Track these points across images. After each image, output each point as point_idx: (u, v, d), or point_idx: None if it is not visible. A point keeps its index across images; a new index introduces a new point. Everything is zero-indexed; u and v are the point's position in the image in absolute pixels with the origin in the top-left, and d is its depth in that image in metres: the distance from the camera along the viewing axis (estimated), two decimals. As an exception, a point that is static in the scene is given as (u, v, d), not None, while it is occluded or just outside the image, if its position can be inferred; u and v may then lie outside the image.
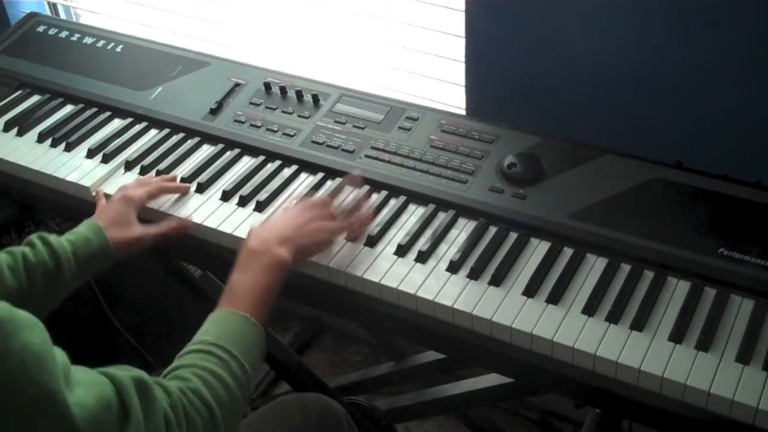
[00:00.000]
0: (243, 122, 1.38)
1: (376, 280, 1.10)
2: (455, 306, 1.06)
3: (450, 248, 1.15)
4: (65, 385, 0.71)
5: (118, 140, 1.38)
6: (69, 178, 1.32)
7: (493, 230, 1.17)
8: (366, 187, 1.25)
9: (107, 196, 1.25)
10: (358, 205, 1.18)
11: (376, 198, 1.24)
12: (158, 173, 1.31)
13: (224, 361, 0.90)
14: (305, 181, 1.29)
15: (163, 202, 1.25)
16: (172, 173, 1.31)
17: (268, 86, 1.44)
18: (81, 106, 1.48)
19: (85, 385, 0.74)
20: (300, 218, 1.10)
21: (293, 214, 1.11)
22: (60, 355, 0.73)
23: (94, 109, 1.47)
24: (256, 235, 1.06)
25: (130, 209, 1.19)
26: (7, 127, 1.45)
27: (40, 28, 1.65)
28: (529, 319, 1.03)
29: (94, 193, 1.29)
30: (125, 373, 0.79)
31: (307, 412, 1.18)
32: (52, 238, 1.09)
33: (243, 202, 1.24)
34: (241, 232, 1.18)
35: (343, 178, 1.25)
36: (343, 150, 1.31)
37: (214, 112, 1.41)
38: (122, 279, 1.77)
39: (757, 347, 0.98)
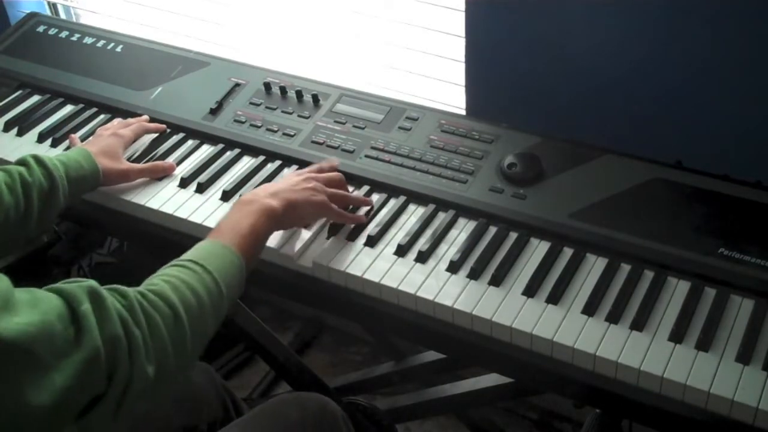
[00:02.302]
0: (243, 122, 1.38)
1: (376, 280, 1.10)
2: (455, 306, 1.06)
3: (450, 248, 1.15)
4: (4, 310, 0.70)
5: (117, 140, 1.38)
6: (69, 178, 1.32)
7: (493, 230, 1.17)
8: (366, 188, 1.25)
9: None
10: (356, 200, 1.21)
11: (376, 199, 1.24)
12: (158, 173, 1.31)
13: (197, 273, 0.91)
14: (305, 181, 1.28)
15: (164, 202, 1.25)
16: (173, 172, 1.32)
17: (268, 86, 1.44)
18: (81, 106, 1.48)
19: (29, 305, 0.73)
20: (294, 179, 1.14)
21: (288, 177, 1.16)
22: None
23: (94, 109, 1.47)
24: (249, 192, 1.10)
25: (118, 144, 1.27)
26: (7, 127, 1.45)
27: (40, 28, 1.65)
28: (529, 319, 1.03)
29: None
30: (74, 284, 0.79)
31: (304, 411, 1.19)
32: (46, 157, 1.14)
33: (243, 202, 1.24)
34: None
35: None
36: (343, 150, 1.31)
37: (214, 112, 1.41)
38: (122, 279, 1.77)
39: (757, 347, 0.98)
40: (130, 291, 0.84)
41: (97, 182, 1.22)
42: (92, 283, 0.80)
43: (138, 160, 1.34)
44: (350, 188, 1.25)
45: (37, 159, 1.13)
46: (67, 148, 1.36)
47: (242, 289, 0.99)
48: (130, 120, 1.38)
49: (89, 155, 1.21)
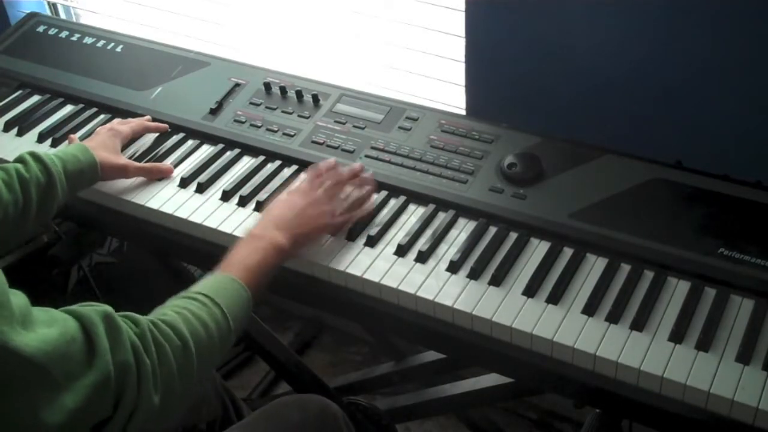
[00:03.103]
0: (243, 122, 1.38)
1: (376, 280, 1.10)
2: (455, 306, 1.06)
3: (450, 248, 1.15)
4: (21, 326, 0.71)
5: (118, 140, 1.38)
6: (69, 178, 1.32)
7: (493, 230, 1.17)
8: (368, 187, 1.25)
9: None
10: (360, 198, 1.20)
11: (375, 198, 1.24)
12: (158, 173, 1.31)
13: (206, 306, 0.92)
14: (305, 181, 1.28)
15: (164, 202, 1.25)
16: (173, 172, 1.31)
17: (268, 86, 1.44)
18: (81, 106, 1.48)
19: (46, 324, 0.74)
20: (300, 203, 1.12)
21: (290, 202, 1.13)
22: (18, 298, 0.74)
23: (94, 109, 1.47)
24: (257, 222, 1.10)
25: (116, 139, 1.29)
26: (7, 127, 1.45)
27: (40, 28, 1.65)
28: (529, 319, 1.03)
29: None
30: (90, 308, 0.80)
31: (305, 413, 1.19)
32: (42, 153, 1.15)
33: (243, 202, 1.24)
34: (241, 232, 1.18)
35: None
36: (343, 150, 1.31)
37: (214, 112, 1.41)
38: (122, 279, 1.77)
39: (757, 347, 0.98)
40: (143, 320, 0.85)
41: (95, 176, 1.22)
42: (107, 308, 0.81)
43: (139, 159, 1.34)
44: (349, 189, 1.25)
45: (34, 155, 1.14)
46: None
47: (248, 321, 1.00)
48: (130, 119, 1.39)
49: (86, 149, 1.22)
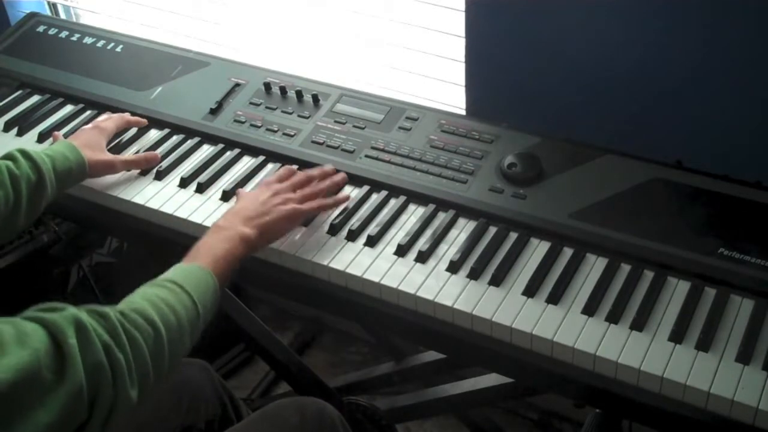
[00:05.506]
0: (243, 122, 1.38)
1: (376, 280, 1.10)
2: (455, 306, 1.06)
3: (450, 248, 1.15)
4: None
5: (118, 140, 1.38)
6: (69, 178, 1.32)
7: (493, 230, 1.17)
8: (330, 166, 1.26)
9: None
10: (321, 176, 1.22)
11: (375, 197, 1.24)
12: (158, 173, 1.31)
13: (176, 293, 0.93)
14: (305, 181, 1.28)
15: (164, 202, 1.25)
16: (172, 172, 1.32)
17: (268, 86, 1.44)
18: (81, 106, 1.48)
19: (17, 342, 0.73)
20: (260, 197, 1.15)
21: (253, 195, 1.16)
22: None
23: (95, 110, 1.47)
24: (223, 215, 1.12)
25: (101, 136, 1.29)
26: (7, 127, 1.45)
27: (40, 28, 1.65)
28: (529, 319, 1.03)
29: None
30: (57, 314, 0.79)
31: (303, 415, 1.19)
32: (32, 151, 1.15)
33: (243, 202, 1.24)
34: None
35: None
36: (343, 150, 1.31)
37: (214, 112, 1.41)
38: (121, 279, 1.77)
39: (757, 347, 0.98)
40: (111, 312, 0.84)
41: (83, 174, 1.23)
42: (74, 312, 0.80)
43: (138, 160, 1.34)
44: (349, 189, 1.26)
45: (24, 153, 1.14)
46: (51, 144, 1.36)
47: (216, 311, 1.01)
48: (112, 115, 1.39)
49: (74, 147, 1.22)
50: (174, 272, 0.98)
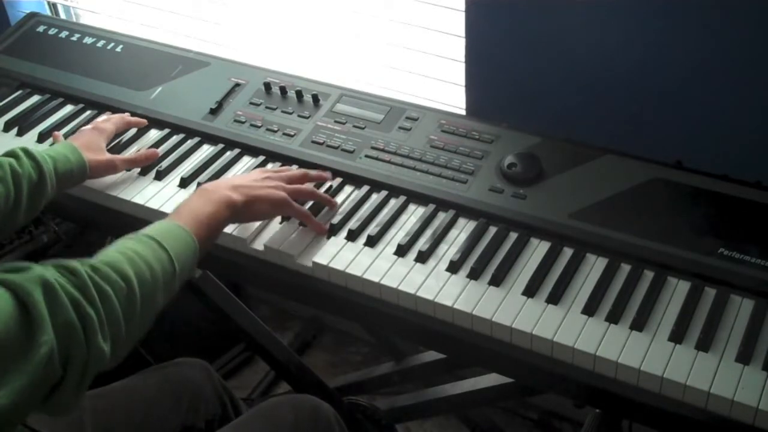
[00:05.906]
0: (243, 122, 1.38)
1: (376, 280, 1.10)
2: (455, 306, 1.06)
3: (450, 248, 1.15)
4: None
5: (118, 141, 1.38)
6: (69, 178, 1.32)
7: (493, 230, 1.17)
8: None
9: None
10: (317, 179, 1.23)
11: (375, 197, 1.24)
12: (158, 173, 1.31)
13: (152, 249, 0.92)
14: (305, 181, 1.29)
15: (164, 202, 1.25)
16: (172, 173, 1.32)
17: (268, 86, 1.44)
18: (81, 106, 1.48)
19: None
20: (255, 175, 1.16)
21: (250, 173, 1.18)
22: None
23: (95, 110, 1.47)
24: (211, 182, 1.13)
25: (101, 137, 1.29)
26: (7, 127, 1.45)
27: (40, 28, 1.65)
28: (529, 319, 1.03)
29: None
30: (23, 275, 0.77)
31: (298, 413, 1.19)
32: (35, 151, 1.15)
33: (243, 202, 1.24)
34: (241, 232, 1.18)
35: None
36: (343, 150, 1.31)
37: (214, 112, 1.41)
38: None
39: (757, 347, 0.98)
40: (80, 267, 0.83)
41: (83, 175, 1.23)
42: (40, 271, 0.79)
43: (138, 160, 1.34)
44: (349, 189, 1.26)
45: (27, 151, 1.14)
46: (51, 144, 1.36)
47: (193, 272, 1.00)
48: (111, 116, 1.38)
49: (75, 149, 1.22)
50: (153, 228, 0.97)
